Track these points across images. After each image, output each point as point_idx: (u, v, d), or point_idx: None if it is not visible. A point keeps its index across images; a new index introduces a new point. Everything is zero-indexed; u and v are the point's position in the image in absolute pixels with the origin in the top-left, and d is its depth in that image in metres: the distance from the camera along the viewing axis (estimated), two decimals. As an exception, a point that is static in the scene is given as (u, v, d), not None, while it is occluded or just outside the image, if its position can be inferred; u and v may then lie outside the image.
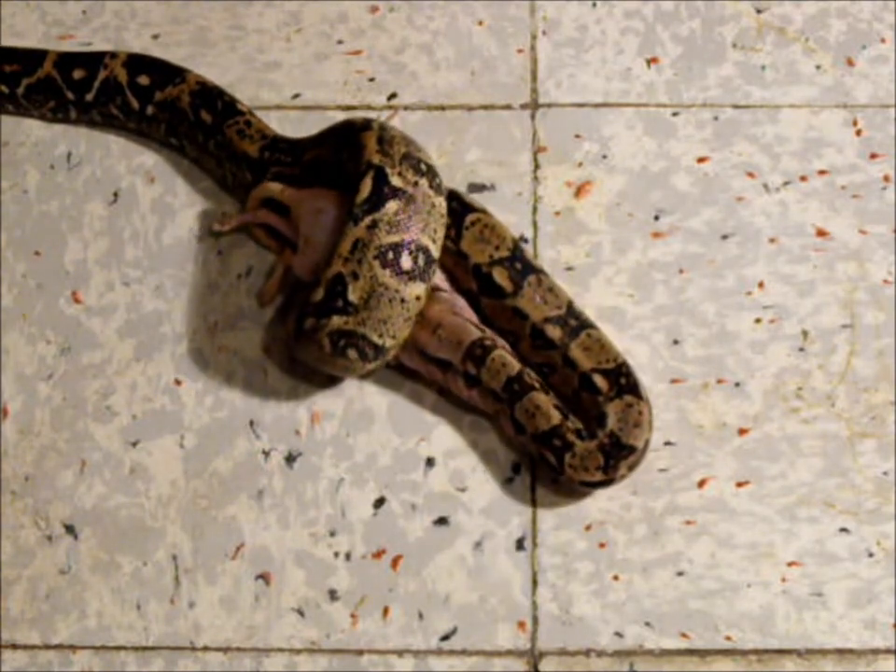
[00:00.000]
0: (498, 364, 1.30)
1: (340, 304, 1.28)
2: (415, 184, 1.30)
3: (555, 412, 1.29)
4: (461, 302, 1.34)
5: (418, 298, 1.30)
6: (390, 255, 1.28)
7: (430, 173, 1.32)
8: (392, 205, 1.29)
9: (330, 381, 1.37)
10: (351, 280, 1.28)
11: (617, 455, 1.27)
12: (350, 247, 1.28)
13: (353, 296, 1.28)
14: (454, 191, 1.37)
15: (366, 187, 1.30)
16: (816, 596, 1.27)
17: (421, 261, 1.29)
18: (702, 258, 1.42)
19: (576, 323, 1.33)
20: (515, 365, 1.30)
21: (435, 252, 1.31)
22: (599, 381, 1.30)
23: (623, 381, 1.30)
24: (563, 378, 1.33)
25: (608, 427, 1.28)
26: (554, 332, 1.32)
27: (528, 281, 1.34)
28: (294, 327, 1.32)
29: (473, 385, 1.31)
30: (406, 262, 1.28)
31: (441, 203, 1.32)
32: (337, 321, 1.28)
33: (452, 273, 1.36)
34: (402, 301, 1.29)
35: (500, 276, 1.34)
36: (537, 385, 1.30)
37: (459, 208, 1.36)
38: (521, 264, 1.34)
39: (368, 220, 1.28)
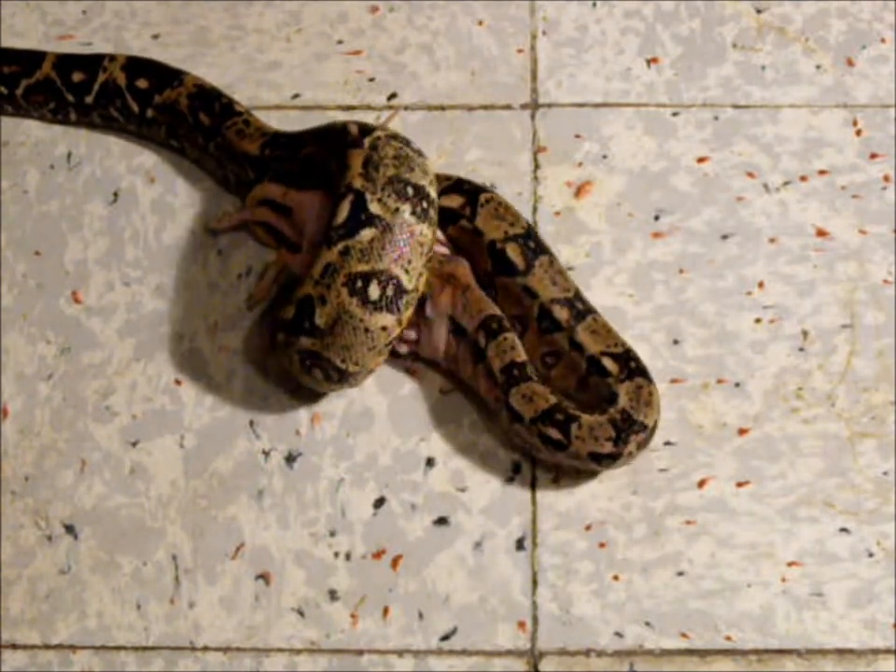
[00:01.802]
0: (508, 345, 1.30)
1: (307, 326, 1.28)
2: (396, 211, 1.29)
3: (553, 395, 1.29)
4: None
5: (384, 328, 1.29)
6: (359, 283, 1.27)
7: (417, 196, 1.30)
8: (366, 233, 1.28)
9: (330, 381, 1.37)
10: (319, 304, 1.27)
11: (629, 430, 1.27)
12: (321, 271, 1.28)
13: (319, 320, 1.28)
14: (460, 178, 1.38)
15: (343, 210, 1.29)
16: (816, 596, 1.27)
17: (390, 292, 1.28)
18: (702, 258, 1.42)
19: (582, 307, 1.34)
20: (523, 354, 1.30)
21: (407, 283, 1.29)
22: (609, 363, 1.31)
23: (633, 365, 1.31)
24: (570, 363, 1.33)
25: (619, 405, 1.28)
26: (562, 314, 1.33)
27: (540, 261, 1.35)
28: (270, 338, 1.32)
29: (479, 359, 1.31)
30: (374, 292, 1.27)
31: (422, 230, 1.30)
32: (305, 341, 1.28)
33: (469, 253, 1.37)
34: (367, 330, 1.28)
35: (514, 252, 1.34)
36: (535, 377, 1.30)
37: (471, 188, 1.37)
38: (534, 243, 1.36)
39: (341, 246, 1.28)
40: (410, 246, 1.29)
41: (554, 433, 1.28)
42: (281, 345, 1.31)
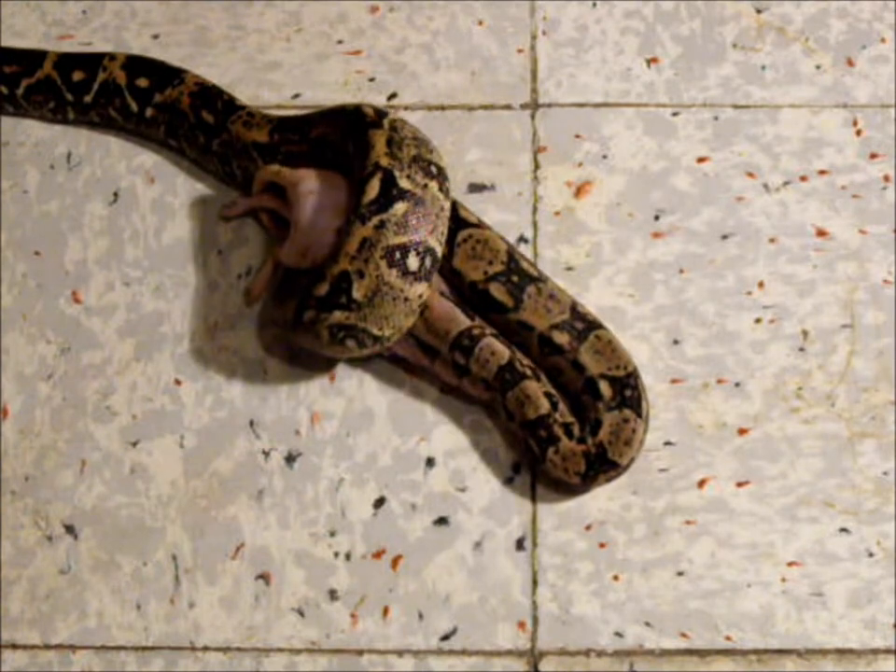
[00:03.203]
0: (487, 353, 1.30)
1: (343, 301, 1.28)
2: (425, 186, 1.30)
3: (545, 400, 1.29)
4: (445, 286, 1.35)
5: (421, 296, 1.30)
6: (397, 255, 1.28)
7: (440, 175, 1.32)
8: (401, 206, 1.29)
9: (330, 381, 1.37)
10: (357, 278, 1.28)
11: (599, 468, 1.28)
12: (357, 246, 1.28)
13: (357, 294, 1.28)
14: (453, 201, 1.37)
15: (373, 188, 1.30)
16: (816, 596, 1.27)
17: (427, 263, 1.29)
18: (702, 258, 1.42)
19: (582, 326, 1.32)
20: (505, 353, 1.30)
21: (441, 253, 1.31)
22: (604, 388, 1.30)
23: (629, 393, 1.30)
24: (568, 379, 1.32)
25: (599, 437, 1.28)
26: (562, 338, 1.32)
27: (528, 293, 1.33)
28: (293, 316, 1.32)
29: (463, 374, 1.31)
30: (413, 263, 1.29)
31: (448, 206, 1.32)
32: (339, 315, 1.29)
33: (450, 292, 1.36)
34: (406, 299, 1.29)
35: (498, 292, 1.33)
36: (528, 371, 1.30)
37: (452, 224, 1.35)
38: (517, 276, 1.34)
39: (376, 220, 1.28)
40: (441, 219, 1.31)
41: (534, 447, 1.29)
42: (308, 323, 1.30)
